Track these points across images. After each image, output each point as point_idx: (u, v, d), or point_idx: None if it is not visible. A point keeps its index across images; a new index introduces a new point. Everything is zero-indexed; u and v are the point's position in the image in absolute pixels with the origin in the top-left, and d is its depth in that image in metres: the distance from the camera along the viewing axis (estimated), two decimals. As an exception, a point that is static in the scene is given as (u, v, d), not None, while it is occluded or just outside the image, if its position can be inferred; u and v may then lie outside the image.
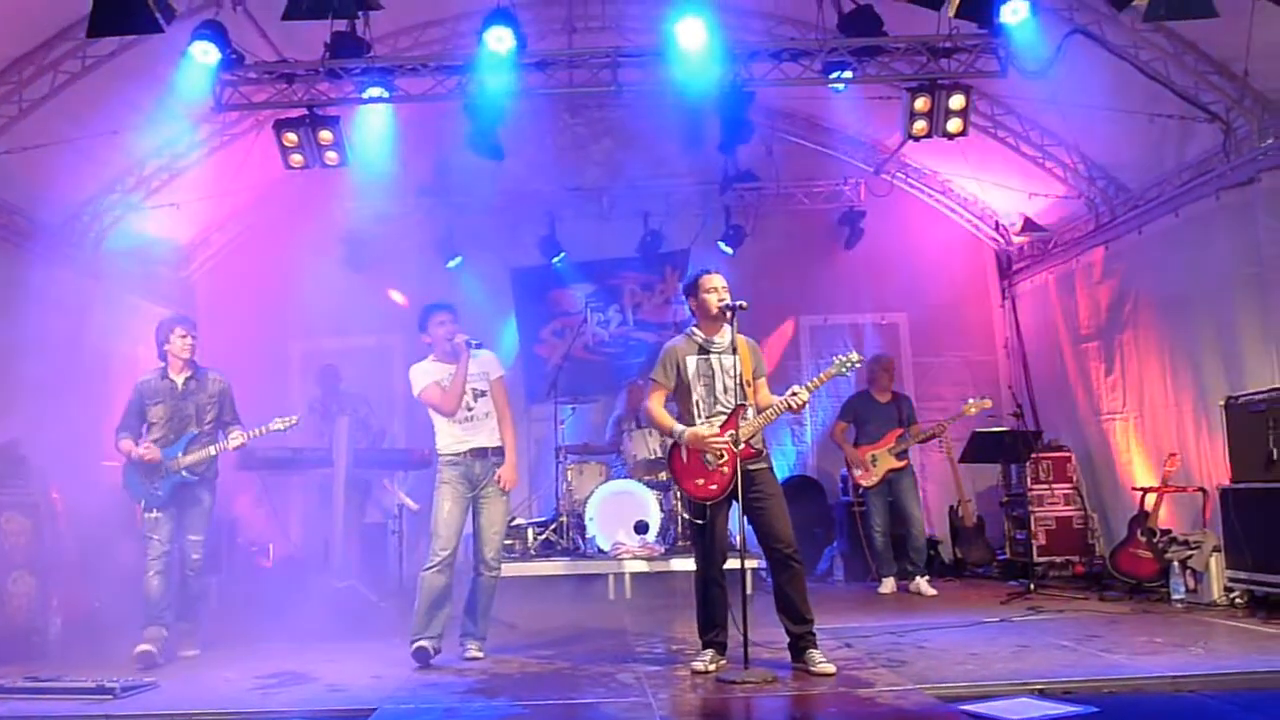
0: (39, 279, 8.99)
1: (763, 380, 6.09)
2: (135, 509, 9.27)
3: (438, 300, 6.92)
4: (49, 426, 8.27)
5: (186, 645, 7.08)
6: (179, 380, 7.15)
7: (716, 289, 5.93)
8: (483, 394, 6.64)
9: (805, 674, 5.56)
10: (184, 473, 7.03)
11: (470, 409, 6.58)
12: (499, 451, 6.62)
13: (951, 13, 7.32)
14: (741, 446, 5.72)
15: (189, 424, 7.13)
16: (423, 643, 6.21)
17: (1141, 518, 8.55)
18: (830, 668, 5.56)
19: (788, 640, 5.80)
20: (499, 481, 6.56)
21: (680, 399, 6.03)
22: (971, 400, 9.09)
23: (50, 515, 7.81)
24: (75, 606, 7.62)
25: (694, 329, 6.06)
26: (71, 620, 7.45)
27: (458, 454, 6.52)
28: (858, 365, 5.95)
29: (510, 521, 9.61)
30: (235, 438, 7.13)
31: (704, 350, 5.97)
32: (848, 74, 8.28)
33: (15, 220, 8.87)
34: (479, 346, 6.69)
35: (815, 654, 5.66)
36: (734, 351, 5.84)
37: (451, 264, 11.56)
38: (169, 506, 7.04)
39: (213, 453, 7.11)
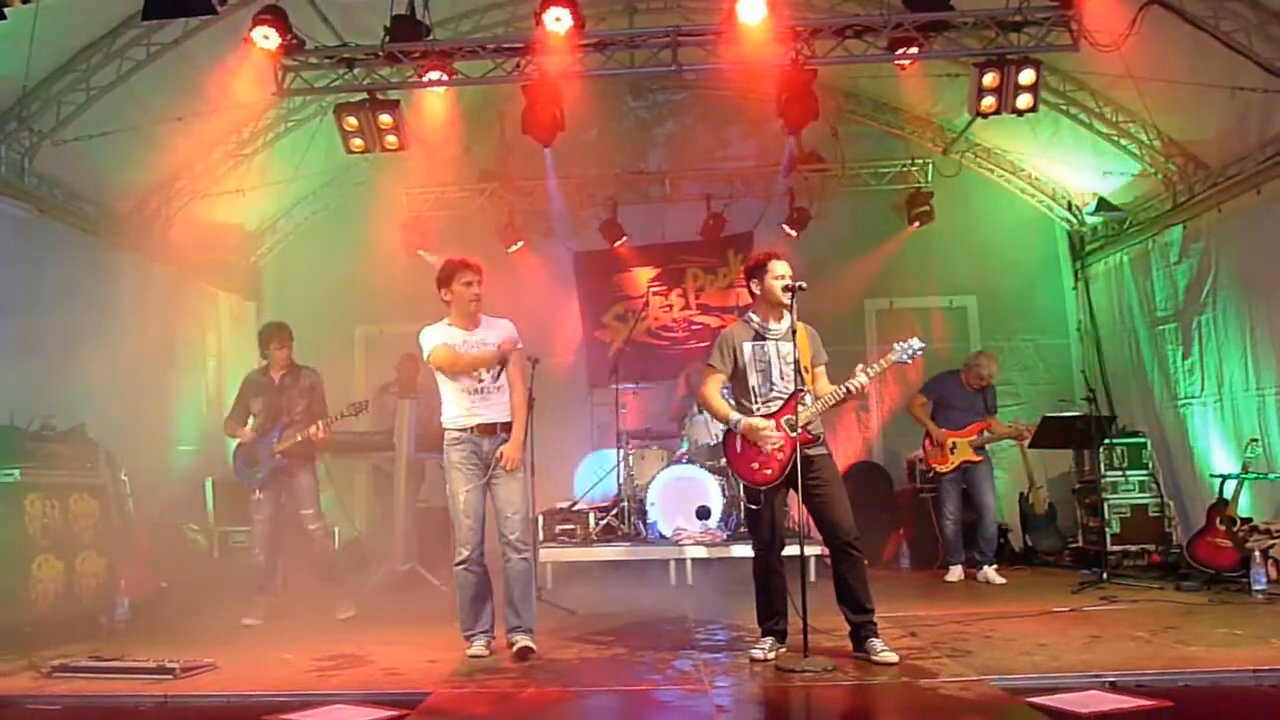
0: (107, 265, 9.16)
1: (822, 368, 5.96)
2: (201, 491, 9.50)
3: (465, 257, 6.35)
4: (117, 410, 8.42)
5: (342, 607, 7.75)
6: (276, 377, 7.98)
7: (783, 276, 5.81)
8: (497, 363, 6.18)
9: (866, 663, 5.44)
10: (278, 456, 7.75)
11: (481, 379, 6.13)
12: (509, 428, 6.17)
13: (1020, -18, 7.12)
14: (798, 432, 5.61)
15: (281, 414, 7.88)
16: (475, 649, 5.99)
17: (1221, 505, 8.27)
18: (892, 656, 5.44)
19: (849, 629, 5.68)
20: (500, 458, 6.07)
21: (737, 385, 5.95)
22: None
23: (118, 497, 7.96)
24: (142, 587, 7.72)
25: (752, 314, 5.97)
26: (139, 601, 7.54)
27: (464, 429, 6.09)
28: (920, 352, 5.80)
29: (572, 506, 9.66)
30: (316, 428, 7.72)
31: (760, 336, 5.87)
32: (913, 51, 8.08)
33: (84, 207, 9.01)
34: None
35: (876, 643, 5.54)
36: (793, 337, 5.73)
37: (513, 248, 11.54)
38: (269, 488, 7.81)
39: (298, 438, 7.74)
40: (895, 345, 5.78)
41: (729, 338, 5.96)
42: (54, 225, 8.56)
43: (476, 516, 6.10)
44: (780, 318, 5.88)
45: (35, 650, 5.94)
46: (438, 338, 6.19)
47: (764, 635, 5.79)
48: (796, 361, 5.71)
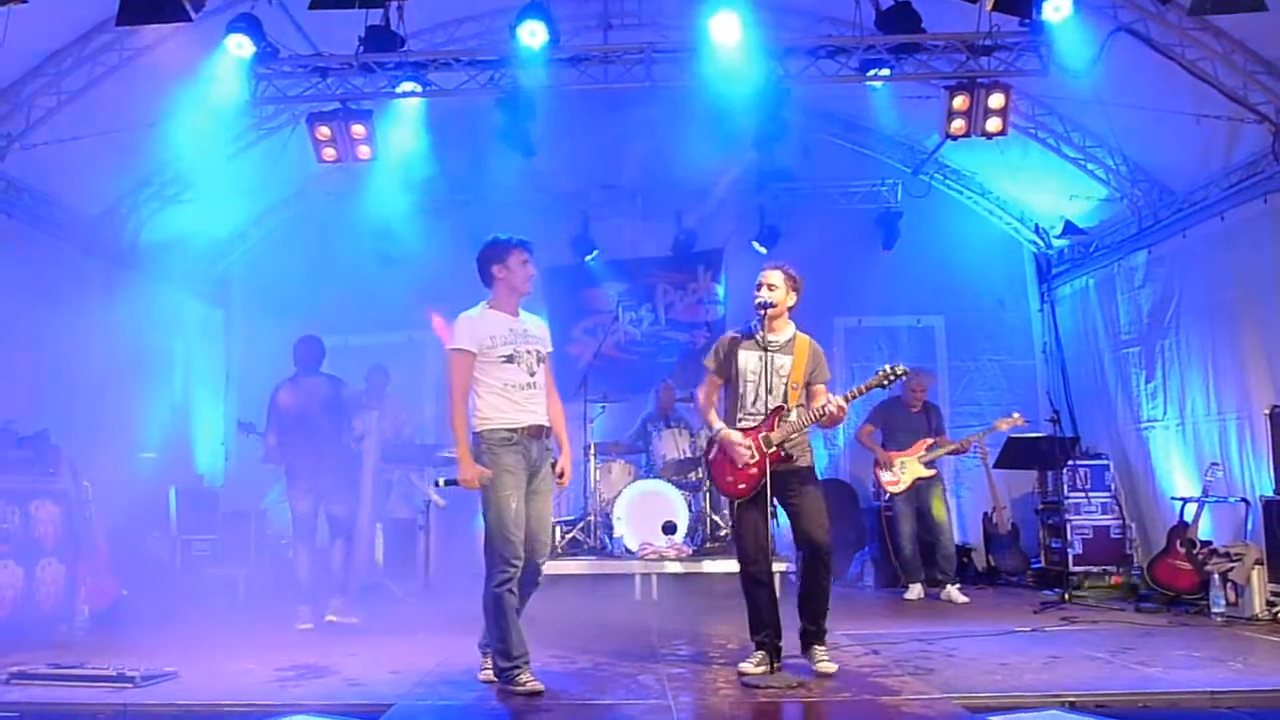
0: (75, 270, 9.08)
1: (821, 386, 5.83)
2: (164, 499, 9.41)
3: (511, 234, 5.74)
4: (82, 416, 8.34)
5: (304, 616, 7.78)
6: None
7: (759, 286, 5.78)
8: (542, 360, 5.60)
9: (823, 675, 5.53)
10: None
11: (533, 373, 5.49)
12: (549, 433, 5.62)
13: (989, 6, 7.21)
14: (772, 449, 5.61)
15: None
16: (532, 680, 5.25)
17: (1181, 528, 8.36)
18: (831, 667, 5.57)
19: (799, 632, 5.75)
20: (560, 475, 5.62)
21: (728, 389, 5.91)
22: (1002, 418, 8.99)
23: (81, 504, 7.86)
24: (103, 595, 7.64)
25: (755, 322, 5.83)
26: (99, 608, 7.46)
27: (514, 429, 5.40)
28: (902, 378, 5.80)
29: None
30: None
31: (756, 343, 5.76)
32: (885, 72, 8.20)
33: (53, 212, 8.95)
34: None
35: (819, 650, 5.68)
36: (766, 352, 5.70)
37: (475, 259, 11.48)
38: None
39: None
40: (878, 370, 5.74)
41: (724, 340, 5.95)
42: (22, 230, 8.49)
43: (524, 529, 5.39)
44: (773, 330, 5.80)
45: (-8, 657, 5.88)
46: (483, 328, 5.50)
47: (756, 649, 5.75)
48: (787, 377, 5.71)
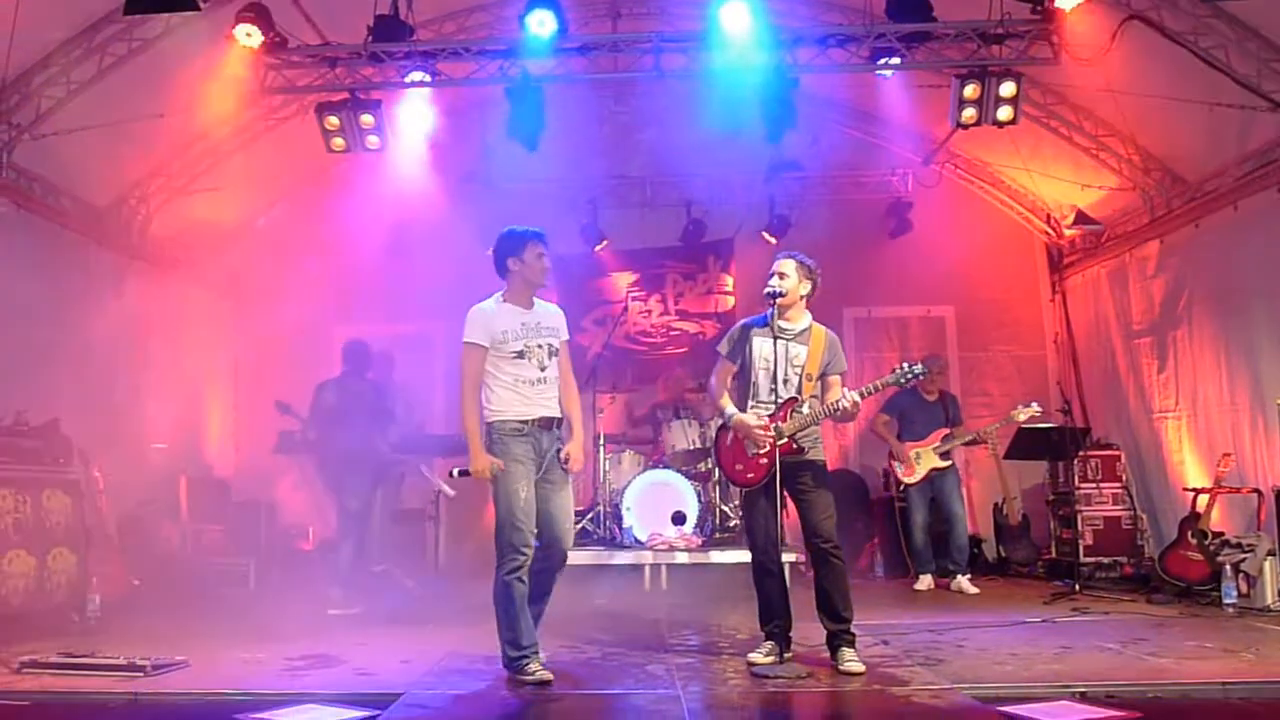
0: (85, 260, 9.09)
1: (836, 378, 5.78)
2: (175, 489, 9.45)
3: (527, 227, 5.82)
4: (91, 406, 8.36)
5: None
6: None
7: (773, 273, 5.74)
8: (555, 353, 5.66)
9: (838, 671, 5.44)
10: None
11: (544, 368, 5.55)
12: (560, 424, 5.68)
13: (1001, -9, 7.19)
14: (784, 441, 5.57)
15: None
16: (540, 670, 5.27)
17: (1193, 519, 8.32)
18: (858, 667, 5.39)
19: (825, 637, 5.67)
20: (567, 461, 5.61)
21: (740, 377, 5.86)
22: (1020, 407, 8.89)
23: (91, 493, 7.88)
24: (114, 584, 7.65)
25: (771, 309, 5.75)
26: (110, 598, 7.47)
27: (524, 421, 5.48)
28: (921, 376, 5.78)
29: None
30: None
31: (770, 331, 5.68)
32: (895, 60, 8.18)
33: (62, 202, 8.95)
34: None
35: (846, 652, 5.50)
36: (804, 341, 5.69)
37: (492, 251, 11.48)
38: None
39: None
40: (895, 368, 5.71)
41: (739, 326, 5.90)
42: (32, 220, 8.49)
43: (534, 519, 5.46)
44: (788, 319, 5.74)
45: (4, 646, 5.89)
46: (496, 322, 5.56)
47: (766, 639, 5.74)
48: (802, 368, 5.67)
